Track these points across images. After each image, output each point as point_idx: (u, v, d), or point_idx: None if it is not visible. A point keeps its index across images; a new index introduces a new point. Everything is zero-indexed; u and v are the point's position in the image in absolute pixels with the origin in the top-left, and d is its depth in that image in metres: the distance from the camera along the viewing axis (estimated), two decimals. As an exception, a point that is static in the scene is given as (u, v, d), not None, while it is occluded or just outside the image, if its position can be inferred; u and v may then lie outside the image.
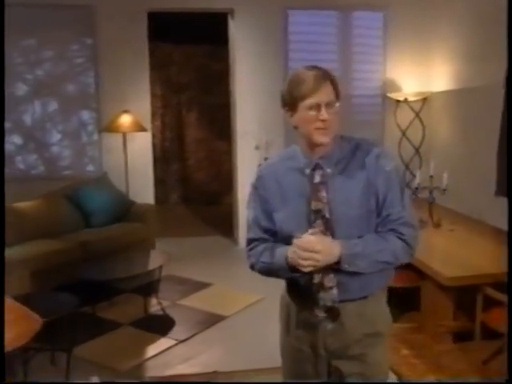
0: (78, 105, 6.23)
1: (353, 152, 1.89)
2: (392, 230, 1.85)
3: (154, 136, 7.10)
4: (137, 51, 6.23)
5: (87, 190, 5.64)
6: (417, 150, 6.49)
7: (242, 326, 4.37)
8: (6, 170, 6.05)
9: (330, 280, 1.85)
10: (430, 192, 4.74)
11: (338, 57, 6.49)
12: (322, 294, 1.87)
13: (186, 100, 8.83)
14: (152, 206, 6.11)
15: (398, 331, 3.87)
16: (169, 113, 8.93)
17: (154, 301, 4.74)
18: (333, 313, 1.89)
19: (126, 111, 5.99)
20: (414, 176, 5.30)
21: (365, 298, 1.91)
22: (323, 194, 1.86)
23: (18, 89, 6.09)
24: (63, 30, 6.03)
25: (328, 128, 1.82)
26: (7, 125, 6.06)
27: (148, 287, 4.90)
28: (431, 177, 4.70)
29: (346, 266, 1.78)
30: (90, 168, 6.30)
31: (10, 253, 4.49)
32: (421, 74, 6.42)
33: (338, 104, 1.83)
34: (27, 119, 6.15)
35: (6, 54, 5.91)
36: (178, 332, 4.22)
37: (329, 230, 1.85)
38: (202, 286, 5.22)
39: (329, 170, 1.86)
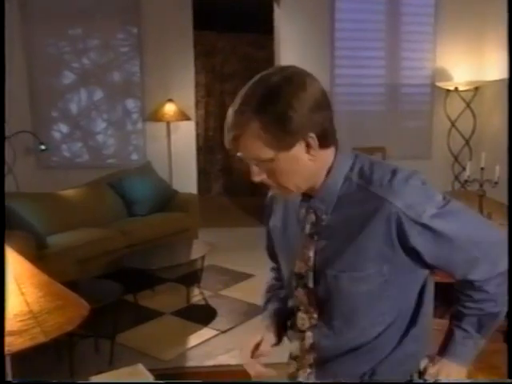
0: (123, 93, 6.27)
1: (363, 194, 1.26)
2: (464, 294, 1.36)
3: (197, 125, 7.09)
4: (181, 40, 6.21)
5: (131, 179, 5.66)
6: (467, 142, 6.28)
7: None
8: (53, 158, 6.16)
9: (308, 376, 1.42)
10: (481, 185, 4.56)
11: (385, 44, 6.32)
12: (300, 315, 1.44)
13: (229, 89, 8.78)
14: (195, 195, 6.10)
15: (444, 328, 3.77)
16: (212, 102, 8.91)
17: (196, 291, 4.73)
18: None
19: (170, 100, 5.99)
20: (464, 169, 5.12)
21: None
22: (310, 253, 1.32)
23: (65, 77, 6.17)
24: (109, 19, 6.06)
25: (274, 186, 1.28)
26: (54, 114, 6.15)
27: (190, 277, 4.89)
28: (482, 169, 4.53)
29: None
30: (134, 157, 6.34)
31: (56, 240, 4.55)
32: (472, 62, 6.19)
33: (292, 150, 1.20)
34: (73, 108, 6.22)
35: (54, 43, 5.99)
36: (219, 322, 4.20)
37: (312, 306, 1.36)
38: (245, 276, 5.18)
39: (324, 217, 1.30)
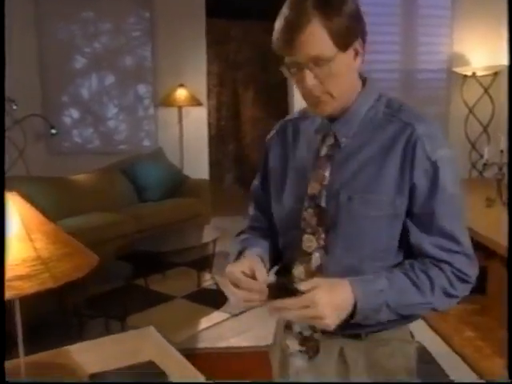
0: (134, 78, 6.21)
1: (387, 120, 1.28)
2: (435, 259, 1.25)
3: (209, 115, 7.02)
4: (194, 26, 6.15)
5: (142, 165, 5.61)
6: (485, 128, 6.16)
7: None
8: (65, 144, 6.11)
9: None
10: (500, 168, 4.46)
11: (400, 29, 6.21)
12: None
13: (242, 78, 8.71)
14: (206, 181, 6.03)
15: (462, 313, 3.71)
16: (225, 91, 8.83)
17: (207, 276, 4.68)
18: (310, 346, 1.35)
19: (181, 85, 5.94)
20: (481, 156, 5.02)
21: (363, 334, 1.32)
22: (325, 172, 1.31)
23: (76, 62, 6.12)
24: (121, 3, 6.01)
25: (319, 96, 1.24)
26: (65, 98, 6.11)
27: (201, 262, 4.84)
28: (502, 151, 4.42)
29: (359, 319, 1.19)
30: (146, 143, 6.28)
31: (66, 224, 4.50)
32: (491, 46, 6.05)
33: (347, 53, 1.20)
34: (84, 93, 6.17)
35: (66, 26, 5.95)
36: (231, 306, 4.09)
37: (322, 227, 1.31)
38: (256, 262, 5.11)
39: (343, 140, 1.30)
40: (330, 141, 1.32)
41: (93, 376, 1.51)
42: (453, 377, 3.11)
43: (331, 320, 1.13)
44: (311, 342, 1.34)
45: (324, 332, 1.30)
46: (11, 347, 1.47)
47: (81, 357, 1.65)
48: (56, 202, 4.70)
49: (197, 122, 6.25)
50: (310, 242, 1.32)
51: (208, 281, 4.62)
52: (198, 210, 5.53)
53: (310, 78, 1.20)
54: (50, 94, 6.00)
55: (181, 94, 5.93)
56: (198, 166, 6.20)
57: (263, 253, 1.39)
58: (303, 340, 1.35)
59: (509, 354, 0.92)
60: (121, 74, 6.16)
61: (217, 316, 3.98)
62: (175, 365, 1.62)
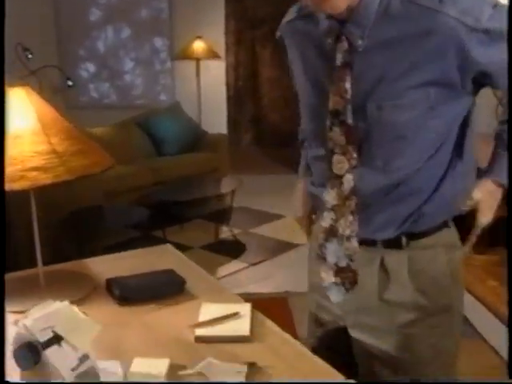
0: (150, 31, 6.09)
1: (407, 9, 1.11)
2: None
3: (227, 74, 6.90)
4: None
5: (159, 119, 5.53)
6: None
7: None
8: (81, 98, 6.06)
9: (349, 225, 1.25)
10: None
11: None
12: (331, 246, 1.28)
13: (260, 36, 8.54)
14: (224, 135, 5.94)
15: (485, 263, 3.69)
16: (243, 51, 8.68)
17: (224, 228, 4.64)
18: (346, 277, 1.28)
19: (199, 37, 5.82)
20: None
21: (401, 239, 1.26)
22: (346, 84, 1.17)
23: (91, 14, 6.01)
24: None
25: None
26: (81, 52, 6.03)
27: (219, 215, 4.79)
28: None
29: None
30: (163, 97, 6.19)
31: (83, 173, 4.49)
32: None
33: None
34: (100, 46, 6.08)
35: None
36: (249, 256, 4.13)
37: (351, 145, 1.20)
38: (275, 217, 5.05)
39: (359, 43, 1.15)
40: (344, 46, 1.16)
41: (110, 281, 1.46)
42: (476, 324, 3.11)
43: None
44: (347, 272, 1.26)
45: (362, 243, 1.24)
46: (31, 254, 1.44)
47: (99, 267, 1.61)
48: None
49: (215, 77, 6.14)
50: (340, 163, 1.22)
51: (226, 232, 4.58)
52: (216, 165, 5.47)
53: None
54: (66, 47, 5.93)
55: (198, 45, 5.82)
56: (216, 121, 6.11)
57: None
58: (339, 271, 1.27)
59: (509, 354, 0.87)
60: (137, 27, 6.04)
61: (235, 265, 3.96)
62: (195, 274, 1.57)
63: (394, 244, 1.24)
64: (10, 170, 1.20)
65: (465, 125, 1.24)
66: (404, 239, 1.23)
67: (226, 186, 4.70)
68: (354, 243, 1.23)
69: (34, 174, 1.23)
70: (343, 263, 1.25)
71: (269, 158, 8.13)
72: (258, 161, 8.06)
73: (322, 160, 1.26)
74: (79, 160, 1.29)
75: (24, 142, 1.25)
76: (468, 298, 3.47)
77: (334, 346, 1.37)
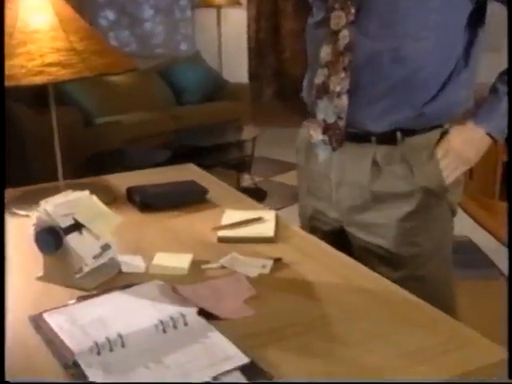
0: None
1: None
2: None
3: (248, 27, 6.76)
4: None
5: (180, 68, 5.47)
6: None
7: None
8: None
9: (341, 81, 1.23)
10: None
11: None
12: (322, 103, 1.27)
13: (282, -13, 8.36)
14: (246, 85, 5.86)
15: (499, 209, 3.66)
16: (264, 1, 8.51)
17: (246, 176, 4.61)
18: (333, 135, 1.27)
19: (220, -17, 5.70)
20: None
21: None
22: None
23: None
24: None
25: None
26: None
27: (240, 164, 4.75)
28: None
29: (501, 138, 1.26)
30: (183, 47, 6.13)
31: (104, 119, 4.47)
32: None
33: None
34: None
35: None
36: (270, 202, 4.10)
37: (350, 0, 1.18)
38: (295, 166, 5.00)
39: None
40: None
41: (130, 189, 1.43)
42: (500, 265, 3.10)
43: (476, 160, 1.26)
44: (335, 130, 1.25)
45: (355, 139, 1.25)
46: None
47: (120, 181, 1.58)
48: (93, 99, 4.68)
49: (236, 27, 6.05)
50: (338, 18, 1.20)
51: (247, 180, 4.56)
52: (238, 114, 5.40)
53: None
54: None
55: (219, -8, 5.71)
56: (237, 72, 6.03)
57: None
58: (326, 128, 1.27)
59: (509, 354, 0.85)
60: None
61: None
62: (218, 187, 1.55)
63: (388, 139, 1.23)
64: (29, 64, 1.17)
65: (474, 35, 1.23)
66: (399, 134, 1.23)
67: (247, 134, 4.64)
68: (344, 100, 1.21)
69: (53, 69, 1.20)
70: (331, 120, 1.25)
71: (290, 112, 8.02)
72: (280, 114, 7.97)
73: (320, 25, 1.25)
74: (99, 59, 1.26)
75: (42, 38, 1.21)
76: (493, 243, 3.42)
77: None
